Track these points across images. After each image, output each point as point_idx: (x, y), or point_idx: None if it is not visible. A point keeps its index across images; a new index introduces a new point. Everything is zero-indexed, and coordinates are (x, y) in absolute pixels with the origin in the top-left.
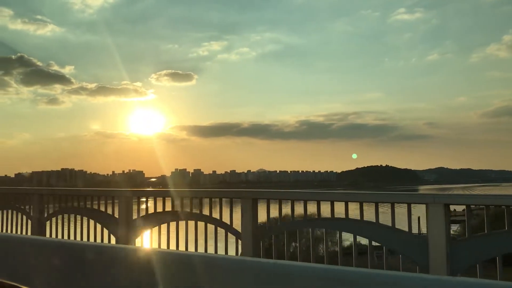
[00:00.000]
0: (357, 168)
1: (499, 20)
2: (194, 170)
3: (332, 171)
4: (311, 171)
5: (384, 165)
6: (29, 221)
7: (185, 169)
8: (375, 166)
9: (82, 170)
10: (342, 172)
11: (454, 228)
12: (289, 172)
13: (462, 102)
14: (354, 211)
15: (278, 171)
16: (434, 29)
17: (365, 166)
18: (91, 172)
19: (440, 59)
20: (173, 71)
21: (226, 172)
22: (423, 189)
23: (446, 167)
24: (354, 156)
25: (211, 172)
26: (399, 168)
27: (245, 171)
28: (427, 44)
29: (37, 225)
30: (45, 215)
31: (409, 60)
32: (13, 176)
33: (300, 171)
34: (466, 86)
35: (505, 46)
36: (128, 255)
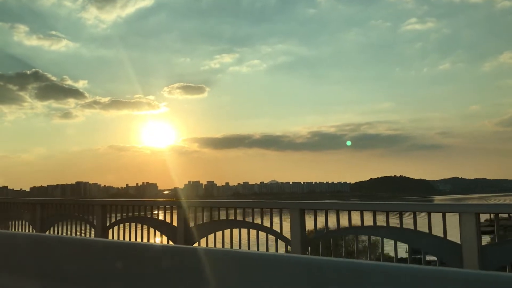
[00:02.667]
0: (370, 179)
1: None
2: (207, 182)
3: (346, 182)
4: (325, 182)
5: (398, 175)
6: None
7: (198, 181)
8: (388, 176)
9: (96, 183)
10: (356, 183)
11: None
12: (302, 183)
13: (476, 111)
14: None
15: (291, 182)
16: (445, 38)
17: (379, 176)
18: (105, 185)
19: (452, 68)
20: (185, 84)
21: (239, 183)
22: (439, 199)
23: (460, 177)
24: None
25: (224, 184)
26: (413, 179)
27: (258, 183)
28: (438, 54)
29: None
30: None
31: (420, 70)
32: (28, 190)
33: (313, 182)
34: (480, 95)
35: None
36: (169, 253)
